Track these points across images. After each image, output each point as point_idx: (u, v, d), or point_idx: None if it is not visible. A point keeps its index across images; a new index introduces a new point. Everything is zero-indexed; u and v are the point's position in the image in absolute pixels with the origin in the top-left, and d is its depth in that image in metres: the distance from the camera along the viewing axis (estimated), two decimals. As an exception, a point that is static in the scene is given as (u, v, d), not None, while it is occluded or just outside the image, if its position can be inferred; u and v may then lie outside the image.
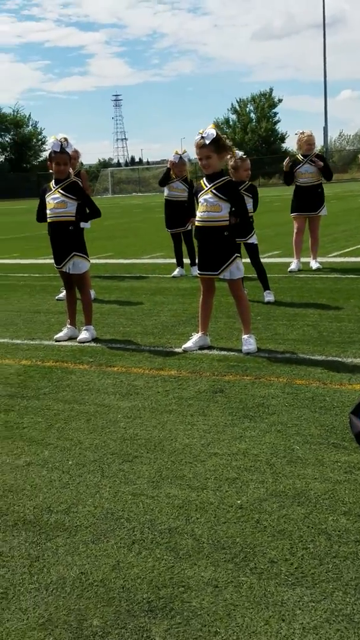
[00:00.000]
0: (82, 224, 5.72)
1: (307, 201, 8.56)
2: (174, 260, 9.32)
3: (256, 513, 2.60)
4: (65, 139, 5.38)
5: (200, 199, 4.93)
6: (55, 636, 1.98)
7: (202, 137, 4.75)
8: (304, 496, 2.71)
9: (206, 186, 4.92)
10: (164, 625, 1.98)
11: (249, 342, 4.96)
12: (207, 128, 4.81)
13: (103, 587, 2.20)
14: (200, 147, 4.80)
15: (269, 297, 6.80)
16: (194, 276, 8.77)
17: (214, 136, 4.75)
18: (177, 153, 8.81)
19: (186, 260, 9.11)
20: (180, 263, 9.10)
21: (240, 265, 4.98)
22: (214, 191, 4.86)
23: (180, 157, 8.82)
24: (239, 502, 2.70)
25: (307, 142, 8.55)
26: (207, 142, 4.74)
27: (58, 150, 5.38)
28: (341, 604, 2.01)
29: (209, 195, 4.88)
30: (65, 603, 2.13)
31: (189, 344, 5.10)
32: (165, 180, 9.07)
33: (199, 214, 4.97)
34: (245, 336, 5.01)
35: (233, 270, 4.93)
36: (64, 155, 5.41)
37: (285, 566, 2.23)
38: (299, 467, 2.99)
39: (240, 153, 6.52)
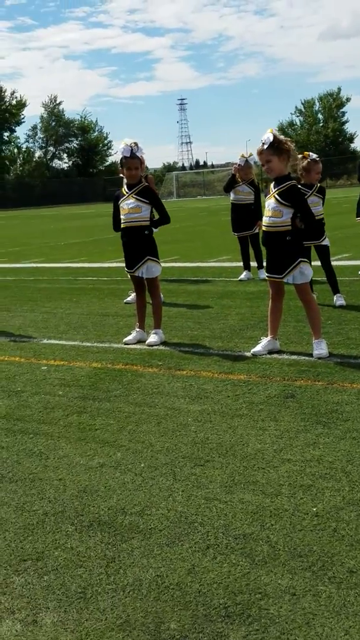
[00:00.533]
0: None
1: None
2: (240, 264, 9.29)
3: (333, 521, 2.55)
4: (136, 144, 5.46)
5: (266, 204, 4.97)
6: (134, 637, 2.00)
7: (262, 143, 4.77)
8: (382, 506, 2.64)
9: (272, 191, 4.92)
10: (242, 631, 1.97)
11: (320, 347, 4.88)
12: (266, 133, 4.81)
13: (179, 590, 2.21)
14: (260, 152, 4.86)
15: (340, 300, 6.68)
16: (261, 279, 8.71)
17: (271, 140, 4.75)
18: (242, 156, 8.79)
19: (253, 264, 9.06)
20: (247, 266, 9.06)
21: (306, 270, 4.90)
22: (276, 196, 4.85)
23: (246, 160, 8.79)
24: (314, 509, 2.66)
25: None
26: (265, 146, 4.75)
27: (129, 155, 5.46)
28: None
29: (271, 201, 4.90)
30: (143, 605, 2.15)
31: (258, 348, 5.07)
32: (230, 186, 9.08)
33: (264, 218, 4.99)
34: (316, 341, 4.93)
35: (296, 275, 4.88)
36: (135, 160, 5.49)
37: (365, 577, 2.18)
38: (375, 476, 2.91)
39: (313, 155, 6.45)
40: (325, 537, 2.44)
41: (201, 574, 2.28)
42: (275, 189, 4.87)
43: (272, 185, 4.96)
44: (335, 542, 2.40)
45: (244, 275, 8.98)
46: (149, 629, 2.03)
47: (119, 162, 5.68)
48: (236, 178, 8.92)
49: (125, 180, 5.65)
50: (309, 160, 6.31)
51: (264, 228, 5.00)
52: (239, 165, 8.88)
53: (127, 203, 5.58)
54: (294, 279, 4.90)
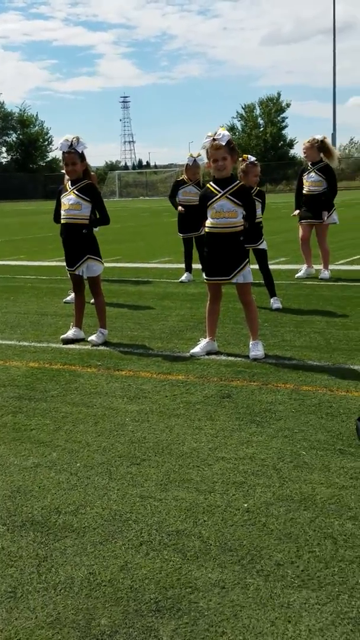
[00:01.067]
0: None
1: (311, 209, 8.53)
2: (182, 265, 9.34)
3: (263, 516, 2.62)
4: (77, 138, 5.40)
5: (215, 205, 4.91)
6: (64, 635, 2.00)
7: (216, 139, 4.77)
8: (310, 501, 2.73)
9: (218, 191, 4.93)
10: (172, 625, 2.01)
11: (256, 348, 4.98)
12: (217, 130, 4.85)
13: (111, 587, 2.23)
14: (217, 148, 4.80)
15: (276, 304, 6.83)
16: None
17: (229, 138, 4.80)
18: (191, 156, 8.80)
19: (197, 266, 9.12)
20: (189, 268, 9.12)
21: (250, 270, 5.03)
22: (229, 197, 4.89)
23: (195, 160, 8.79)
24: (245, 505, 2.72)
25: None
26: (223, 143, 4.77)
27: (66, 150, 5.41)
28: (347, 607, 2.03)
29: (224, 202, 4.88)
30: (74, 602, 2.16)
31: (196, 349, 5.13)
32: (175, 192, 9.04)
33: (212, 220, 4.94)
34: (253, 342, 5.03)
35: (245, 275, 4.97)
36: (72, 155, 5.42)
37: (292, 569, 2.25)
38: (305, 472, 3.01)
39: (252, 158, 6.56)
40: (255, 532, 2.51)
41: (133, 570, 2.31)
42: (226, 190, 4.90)
43: (213, 185, 4.98)
44: (264, 536, 2.47)
45: (185, 277, 9.04)
46: (79, 626, 2.04)
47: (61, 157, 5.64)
48: (183, 179, 8.93)
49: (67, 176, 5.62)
50: (247, 163, 6.42)
51: (212, 230, 4.97)
52: (187, 165, 8.88)
53: (68, 199, 5.54)
54: (244, 278, 4.97)
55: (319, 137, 8.40)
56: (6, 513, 2.78)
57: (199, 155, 8.85)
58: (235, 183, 4.94)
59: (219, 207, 4.90)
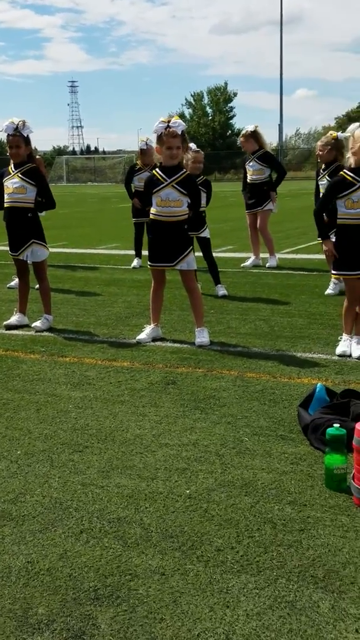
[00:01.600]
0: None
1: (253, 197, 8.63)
2: (129, 252, 9.27)
3: (204, 502, 2.63)
4: (23, 122, 5.28)
5: (161, 194, 4.87)
6: (0, 624, 1.96)
7: (171, 127, 4.71)
8: (252, 486, 2.75)
9: (165, 180, 4.89)
10: (110, 612, 1.99)
11: (202, 335, 5.00)
12: (172, 118, 4.80)
13: (49, 576, 2.19)
14: (174, 136, 4.75)
15: (222, 290, 6.86)
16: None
17: (184, 127, 4.78)
18: (143, 141, 8.69)
19: (145, 252, 9.05)
20: (138, 254, 9.05)
21: (194, 257, 5.03)
22: (175, 185, 4.86)
23: (147, 145, 8.69)
24: (187, 491, 2.73)
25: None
26: (179, 132, 4.74)
27: (11, 132, 5.27)
28: (284, 590, 2.06)
29: (169, 190, 4.86)
30: (11, 592, 2.12)
31: (142, 336, 5.10)
32: (129, 181, 8.93)
33: (157, 208, 4.90)
34: (198, 329, 5.04)
35: (189, 262, 4.96)
36: (17, 138, 5.29)
37: (231, 554, 2.27)
38: (247, 458, 3.03)
39: (193, 146, 6.56)
40: (197, 518, 2.51)
41: (73, 559, 2.28)
42: (172, 179, 4.85)
43: (159, 173, 4.94)
44: (205, 523, 2.48)
45: (135, 262, 8.97)
46: (16, 615, 2.00)
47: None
48: (138, 165, 8.82)
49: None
50: (191, 150, 6.42)
51: (156, 218, 4.93)
52: (141, 150, 8.74)
53: (12, 182, 5.40)
54: (188, 265, 4.97)
55: (250, 127, 8.52)
56: None
57: (148, 139, 8.77)
58: (182, 172, 4.92)
59: (164, 195, 4.87)
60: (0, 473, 2.96)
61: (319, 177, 7.11)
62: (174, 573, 2.17)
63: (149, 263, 5.13)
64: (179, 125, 4.75)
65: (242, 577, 2.14)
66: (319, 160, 7.23)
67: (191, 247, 5.01)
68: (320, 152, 6.92)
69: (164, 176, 4.90)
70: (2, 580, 2.18)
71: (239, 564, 2.21)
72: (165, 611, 1.98)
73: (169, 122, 4.77)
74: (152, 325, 5.17)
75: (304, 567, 2.18)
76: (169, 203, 4.86)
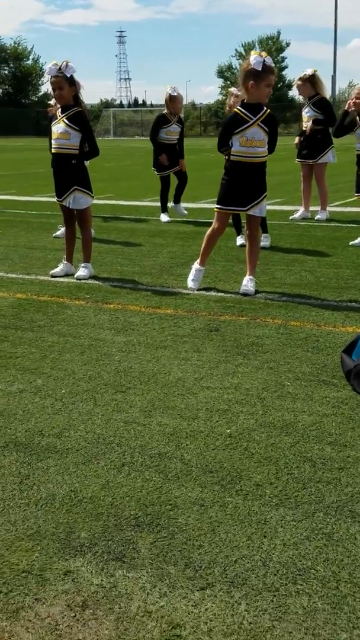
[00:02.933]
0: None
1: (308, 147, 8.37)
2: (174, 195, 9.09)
3: (245, 441, 2.65)
4: (66, 62, 5.18)
5: (247, 133, 4.71)
6: (43, 546, 2.04)
7: (267, 63, 4.59)
8: (292, 427, 2.76)
9: (250, 118, 4.72)
10: (150, 538, 2.04)
11: (250, 284, 4.95)
12: (263, 54, 4.64)
13: (92, 503, 2.26)
14: (274, 72, 4.69)
15: (265, 241, 6.78)
16: (182, 215, 8.70)
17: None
18: (171, 87, 8.41)
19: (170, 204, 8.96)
20: (165, 209, 8.94)
21: (266, 204, 5.01)
22: (260, 124, 4.74)
23: (176, 91, 8.44)
24: (228, 431, 2.75)
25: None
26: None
27: (54, 74, 5.21)
28: (321, 523, 2.07)
29: (255, 129, 4.72)
30: (54, 517, 2.19)
31: (191, 284, 5.09)
32: (155, 133, 8.61)
33: (241, 148, 4.76)
34: (248, 277, 4.99)
35: (262, 208, 4.92)
36: (59, 79, 5.19)
37: (270, 489, 2.29)
38: (288, 401, 3.03)
39: (236, 90, 6.43)
40: (236, 455, 2.53)
41: (114, 489, 2.34)
42: (258, 117, 4.74)
43: (242, 110, 4.78)
44: (245, 460, 2.50)
45: (166, 218, 8.84)
46: (59, 538, 2.07)
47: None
48: (166, 116, 8.59)
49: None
50: (233, 95, 6.38)
51: (238, 159, 4.80)
52: (170, 96, 8.39)
53: (57, 127, 5.37)
54: (260, 211, 4.91)
55: (309, 71, 8.17)
56: (-10, 435, 2.80)
57: (175, 87, 8.46)
58: (265, 110, 4.77)
59: (250, 135, 4.73)
60: (45, 410, 3.04)
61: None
62: (213, 505, 2.21)
63: (218, 206, 5.01)
64: (271, 61, 4.64)
65: (280, 510, 2.16)
66: None
67: (265, 193, 4.93)
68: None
69: (248, 114, 4.75)
70: (46, 506, 2.26)
71: (278, 498, 2.23)
72: (203, 539, 2.03)
73: (265, 56, 4.62)
74: (198, 265, 5.13)
75: (342, 502, 2.18)
76: (254, 143, 4.74)
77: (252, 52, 4.68)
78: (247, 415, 2.89)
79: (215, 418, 2.89)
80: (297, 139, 8.51)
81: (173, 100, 8.41)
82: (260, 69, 4.59)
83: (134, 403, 3.08)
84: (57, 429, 2.83)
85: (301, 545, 1.96)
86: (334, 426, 2.75)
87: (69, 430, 2.82)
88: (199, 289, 5.08)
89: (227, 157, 4.93)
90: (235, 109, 4.86)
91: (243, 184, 4.86)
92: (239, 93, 6.51)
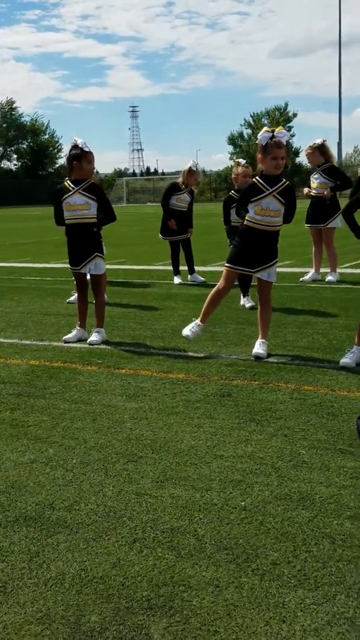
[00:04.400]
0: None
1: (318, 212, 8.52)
2: (185, 267, 9.29)
3: (260, 515, 2.56)
4: (84, 143, 5.45)
5: (261, 202, 4.85)
6: (53, 630, 1.95)
7: (276, 136, 4.71)
8: (309, 500, 2.67)
9: (267, 189, 4.86)
10: (163, 623, 1.95)
11: (262, 347, 4.94)
12: (276, 128, 4.79)
13: (102, 584, 2.17)
14: (280, 146, 4.76)
15: (249, 303, 6.89)
16: (194, 282, 8.83)
17: (289, 138, 4.82)
18: (194, 162, 8.79)
19: (184, 267, 9.12)
20: (178, 271, 9.11)
21: (276, 270, 5.12)
22: (276, 195, 4.86)
23: (197, 167, 8.81)
24: (243, 503, 2.67)
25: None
26: (284, 142, 4.76)
27: (88, 149, 5.43)
28: (343, 607, 1.97)
29: (270, 200, 4.85)
30: (64, 598, 2.11)
31: (187, 332, 5.18)
32: (167, 200, 8.91)
33: (255, 216, 4.90)
34: (261, 340, 5.00)
35: (271, 273, 5.00)
36: (91, 155, 5.46)
37: (288, 568, 2.19)
38: (304, 472, 2.95)
39: (242, 161, 6.89)
40: (252, 531, 2.45)
41: (126, 567, 2.26)
42: (274, 188, 4.86)
43: (260, 181, 4.92)
44: (260, 535, 2.41)
45: (178, 280, 9.01)
46: (69, 622, 1.99)
47: (68, 157, 5.60)
48: (179, 185, 8.87)
49: (68, 177, 5.59)
50: (240, 166, 6.67)
51: (252, 225, 4.94)
52: (190, 169, 8.75)
53: (74, 199, 5.50)
54: (268, 276, 5.02)
55: (318, 140, 8.44)
56: (0, 508, 2.74)
57: (197, 162, 8.88)
58: (282, 182, 4.90)
59: (265, 204, 4.87)
60: (56, 481, 2.98)
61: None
62: (229, 585, 2.12)
63: (228, 265, 5.08)
64: (284, 135, 4.76)
65: (299, 592, 2.06)
66: None
67: (276, 259, 5.02)
68: None
69: (265, 185, 4.88)
70: (55, 586, 2.18)
71: (296, 578, 2.14)
72: (219, 623, 1.93)
73: (273, 131, 4.78)
74: (198, 321, 5.17)
75: (364, 583, 2.08)
76: (268, 212, 4.87)
77: (264, 128, 4.85)
78: (262, 487, 2.82)
79: (229, 489, 2.81)
80: (306, 189, 8.67)
81: (191, 174, 8.74)
82: (264, 143, 4.79)
83: (146, 473, 3.02)
84: (68, 502, 2.77)
85: (322, 632, 1.86)
86: (353, 499, 2.66)
87: (80, 503, 2.75)
88: (209, 355, 5.06)
89: (241, 222, 5.08)
90: (254, 179, 5.03)
91: (254, 248, 4.97)
92: (243, 162, 6.79)
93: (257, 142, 4.91)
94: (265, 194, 4.86)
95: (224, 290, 5.14)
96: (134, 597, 2.09)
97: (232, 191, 7.34)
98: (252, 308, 6.72)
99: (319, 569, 2.18)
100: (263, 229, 4.92)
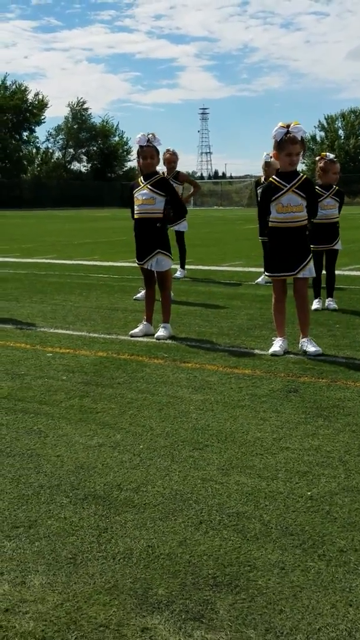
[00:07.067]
0: (180, 227, 5.86)
1: None
2: (252, 269, 9.26)
3: (327, 505, 2.55)
4: (153, 134, 5.49)
5: (282, 200, 4.85)
6: (120, 601, 2.00)
7: (291, 132, 4.70)
8: (378, 493, 2.63)
9: (284, 185, 4.84)
10: (229, 599, 1.97)
11: (312, 344, 4.92)
12: (292, 123, 4.76)
13: (169, 560, 2.21)
14: (294, 142, 4.74)
15: (332, 304, 6.74)
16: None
17: (305, 133, 4.76)
18: (267, 154, 8.69)
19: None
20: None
21: (313, 265, 5.04)
22: (295, 190, 4.84)
23: (272, 158, 8.75)
24: (309, 493, 2.66)
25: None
26: (299, 137, 4.72)
27: (144, 143, 5.50)
28: None
29: (291, 195, 4.83)
30: (132, 572, 2.16)
31: (276, 349, 4.97)
32: (256, 193, 9.02)
33: (278, 215, 4.89)
34: (306, 339, 4.95)
35: (310, 269, 4.94)
36: (150, 149, 5.52)
37: (355, 556, 2.17)
38: (373, 466, 2.90)
39: (331, 155, 6.66)
40: (318, 519, 2.44)
41: (192, 547, 2.29)
42: (293, 184, 4.85)
43: (277, 179, 4.92)
44: (327, 524, 2.39)
45: (261, 279, 8.96)
46: (136, 594, 2.03)
47: (136, 152, 5.72)
48: (260, 180, 8.91)
49: (141, 171, 5.69)
50: (326, 160, 6.43)
51: (281, 224, 4.91)
52: (265, 162, 8.63)
53: (142, 194, 5.60)
54: (310, 272, 4.95)
55: None
56: (69, 487, 2.82)
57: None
58: (300, 176, 4.88)
59: (286, 201, 4.84)
60: (124, 464, 3.05)
61: None
62: (295, 568, 2.12)
63: (268, 274, 5.12)
64: (299, 131, 4.71)
65: (366, 579, 2.04)
66: None
67: (311, 255, 4.96)
68: None
69: (282, 182, 4.87)
70: (123, 560, 2.23)
71: (364, 566, 2.11)
72: (285, 603, 1.93)
73: (289, 127, 4.73)
74: (280, 338, 5.08)
75: None
76: (290, 209, 4.84)
77: (279, 123, 4.77)
78: (328, 478, 2.79)
79: (295, 479, 2.80)
80: None
81: (267, 165, 8.70)
82: (279, 139, 4.74)
83: (212, 461, 3.04)
84: (135, 484, 2.83)
85: (391, 617, 1.84)
86: None
87: (147, 485, 2.80)
88: (285, 352, 5.03)
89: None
90: (271, 178, 5.00)
91: (286, 249, 4.90)
92: (332, 156, 6.64)
93: (272, 137, 4.81)
94: (284, 190, 4.81)
95: (278, 299, 5.11)
96: (200, 574, 2.11)
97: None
98: (334, 310, 6.66)
99: (388, 559, 2.15)
100: (289, 227, 4.86)
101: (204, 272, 10.51)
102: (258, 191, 8.83)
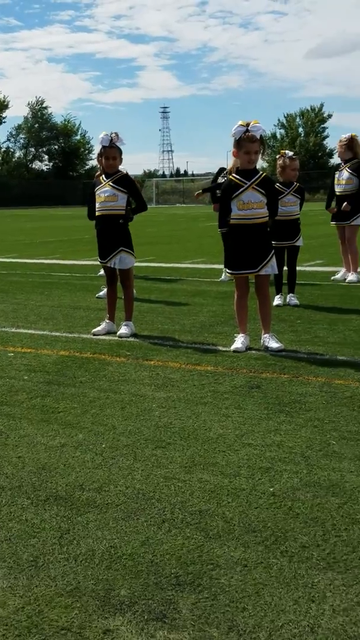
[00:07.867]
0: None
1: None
2: (214, 265, 9.30)
3: (289, 501, 2.56)
4: (116, 134, 5.44)
5: (242, 197, 4.85)
6: (83, 603, 1.98)
7: (250, 131, 4.72)
8: (339, 487, 2.66)
9: (244, 183, 4.86)
10: (192, 598, 1.96)
11: (274, 340, 4.95)
12: (251, 122, 4.79)
13: (132, 560, 2.19)
14: (253, 140, 4.75)
15: (294, 300, 6.80)
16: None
17: (264, 132, 4.77)
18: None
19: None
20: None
21: (275, 262, 5.07)
22: (256, 187, 4.85)
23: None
24: (271, 489, 2.67)
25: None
26: (258, 136, 4.73)
27: (107, 144, 5.45)
28: (374, 589, 1.96)
29: (251, 192, 4.84)
30: (94, 573, 2.13)
31: (238, 345, 4.98)
32: (215, 179, 9.09)
33: (239, 211, 4.88)
34: (268, 335, 4.98)
35: (273, 266, 4.95)
36: (114, 150, 5.48)
37: (317, 552, 2.19)
38: (334, 461, 2.93)
39: (290, 153, 6.59)
40: (280, 515, 2.44)
41: (154, 546, 2.27)
42: (252, 181, 4.87)
43: (236, 177, 4.92)
44: (289, 520, 2.41)
45: (224, 276, 8.96)
46: (98, 595, 2.01)
47: (98, 152, 5.67)
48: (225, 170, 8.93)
49: (102, 170, 5.64)
50: (285, 157, 6.47)
51: (242, 222, 4.91)
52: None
53: (104, 191, 5.55)
54: (272, 269, 5.00)
55: (347, 135, 8.34)
56: (31, 488, 2.78)
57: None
58: (260, 174, 4.90)
59: (246, 198, 4.85)
60: (86, 464, 3.01)
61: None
62: (257, 566, 2.12)
63: (229, 271, 5.13)
64: (257, 130, 4.73)
65: (328, 574, 2.05)
66: None
67: (273, 251, 4.98)
68: None
69: (242, 180, 4.88)
70: (85, 562, 2.20)
71: (325, 561, 2.13)
72: (247, 601, 1.93)
73: (248, 125, 4.75)
74: (242, 335, 5.09)
75: (395, 567, 2.06)
76: (251, 205, 4.84)
77: (239, 122, 4.79)
78: (290, 474, 2.81)
79: (257, 476, 2.81)
80: (335, 207, 8.57)
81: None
82: (238, 138, 4.77)
83: (174, 459, 3.03)
84: (97, 484, 2.80)
85: (352, 612, 1.85)
86: (383, 487, 2.64)
87: (109, 485, 2.78)
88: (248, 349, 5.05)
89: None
90: (230, 176, 5.02)
91: (248, 246, 4.91)
92: (291, 154, 6.67)
93: (231, 136, 4.82)
94: (244, 187, 4.84)
95: (240, 296, 5.12)
96: (162, 574, 2.10)
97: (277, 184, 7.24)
98: (295, 306, 6.72)
99: (349, 553, 2.17)
100: (250, 224, 4.87)
101: (166, 270, 10.50)
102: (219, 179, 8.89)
